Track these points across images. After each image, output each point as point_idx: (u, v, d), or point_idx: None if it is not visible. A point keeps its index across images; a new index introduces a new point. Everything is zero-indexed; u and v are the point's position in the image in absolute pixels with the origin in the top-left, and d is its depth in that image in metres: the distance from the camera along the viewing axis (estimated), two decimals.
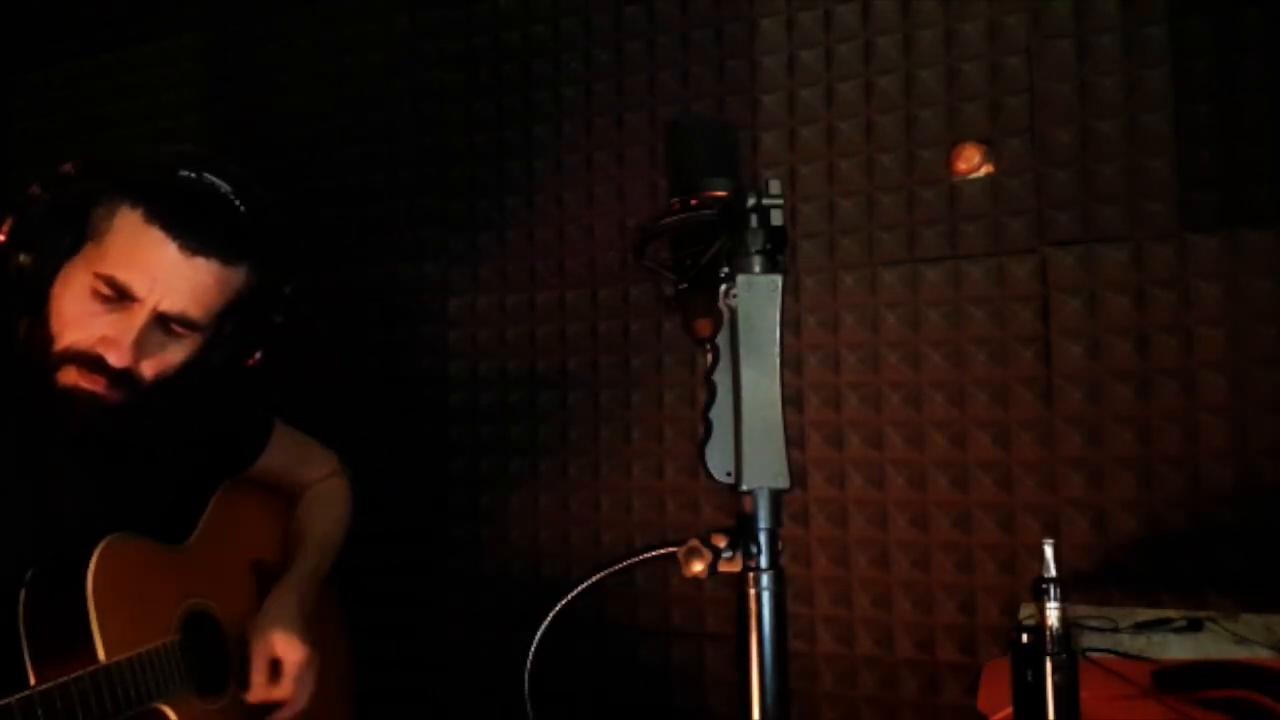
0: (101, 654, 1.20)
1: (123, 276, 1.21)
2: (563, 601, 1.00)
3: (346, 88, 2.56)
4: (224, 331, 1.37)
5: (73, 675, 1.14)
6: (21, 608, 1.19)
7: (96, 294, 1.22)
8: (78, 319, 1.22)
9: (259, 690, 1.47)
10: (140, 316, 1.23)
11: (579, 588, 1.00)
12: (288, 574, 1.64)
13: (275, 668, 1.49)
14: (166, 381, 1.30)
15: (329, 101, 2.57)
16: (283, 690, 1.48)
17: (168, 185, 1.24)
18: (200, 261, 1.24)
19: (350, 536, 1.84)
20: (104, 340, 1.22)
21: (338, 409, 2.53)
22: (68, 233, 1.22)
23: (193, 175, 1.26)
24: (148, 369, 1.27)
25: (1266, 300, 1.76)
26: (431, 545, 2.41)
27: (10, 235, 1.22)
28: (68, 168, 1.24)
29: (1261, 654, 1.51)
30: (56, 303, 1.23)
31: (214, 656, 1.45)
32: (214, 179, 1.27)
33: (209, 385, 1.40)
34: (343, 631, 1.89)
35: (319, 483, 1.82)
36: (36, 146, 2.87)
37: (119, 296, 1.22)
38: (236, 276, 1.31)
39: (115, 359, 1.22)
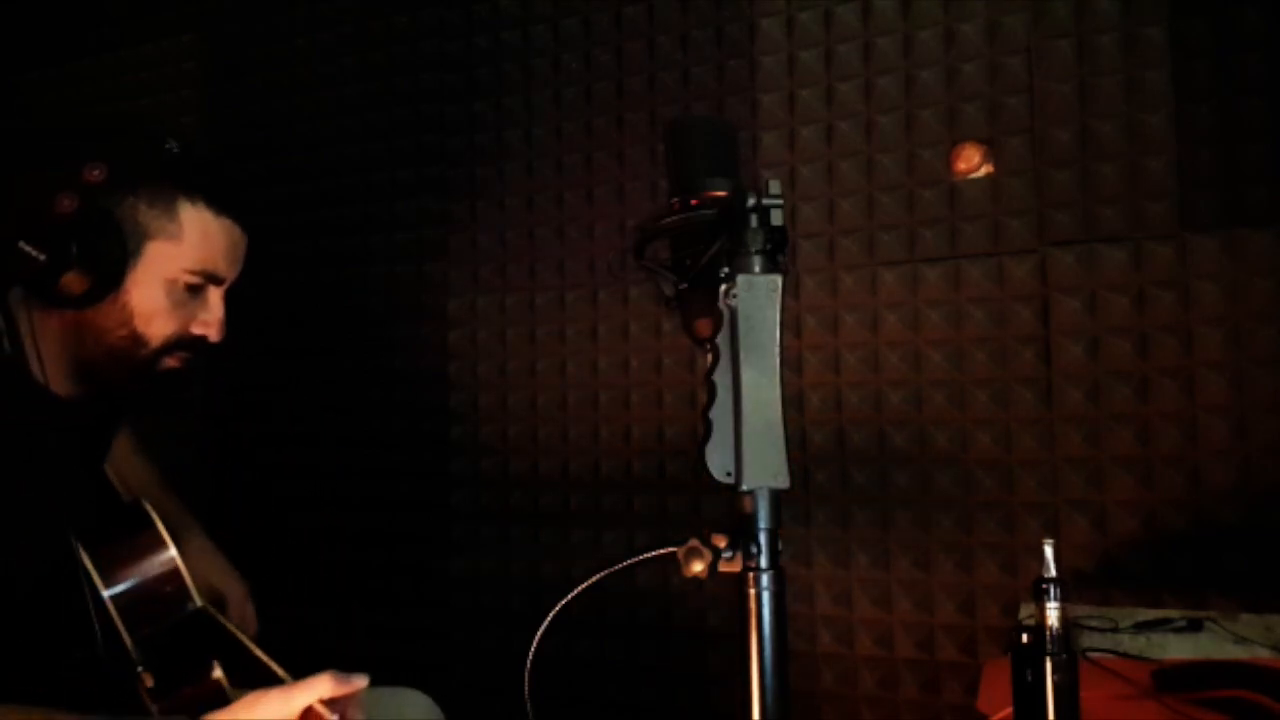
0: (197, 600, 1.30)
1: (213, 267, 1.28)
2: (563, 601, 1.00)
3: (346, 88, 2.56)
4: None
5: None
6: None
7: (186, 287, 1.26)
8: (166, 313, 1.25)
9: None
10: (220, 294, 1.30)
11: (579, 588, 1.00)
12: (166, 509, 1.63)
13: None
14: None
15: (329, 101, 2.57)
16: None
17: (201, 170, 1.29)
18: (240, 229, 1.31)
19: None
20: (203, 324, 1.29)
21: (338, 409, 2.53)
22: (120, 239, 1.21)
23: (180, 149, 1.27)
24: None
25: (1266, 300, 1.76)
26: (432, 545, 2.41)
27: (51, 252, 1.17)
28: (94, 175, 1.20)
29: (1261, 654, 1.51)
30: (133, 304, 1.23)
31: None
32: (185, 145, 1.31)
33: None
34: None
35: None
36: None
37: (208, 283, 1.28)
38: None
39: (216, 336, 1.30)
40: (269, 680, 1.06)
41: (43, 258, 1.15)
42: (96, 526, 1.24)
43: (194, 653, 1.16)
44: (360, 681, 1.03)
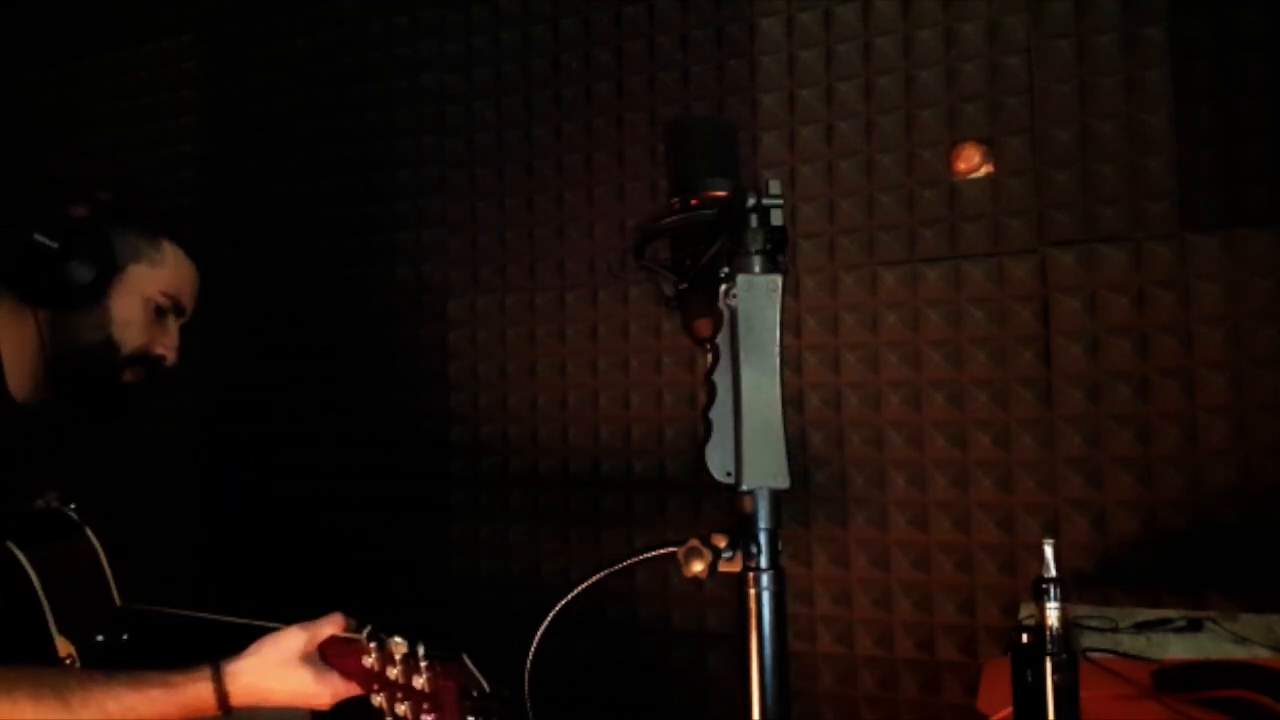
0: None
1: (179, 295, 1.49)
2: (563, 601, 1.00)
3: (346, 88, 2.56)
4: None
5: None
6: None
7: (158, 307, 1.46)
8: (138, 326, 1.43)
9: None
10: (177, 325, 1.50)
11: (579, 588, 1.00)
12: None
13: None
14: None
15: (328, 102, 2.57)
16: None
17: (182, 225, 1.53)
18: (199, 276, 1.54)
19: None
20: (165, 345, 1.48)
21: (338, 409, 2.53)
22: (111, 251, 1.40)
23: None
24: None
25: (1266, 300, 1.76)
26: (432, 545, 2.41)
27: (62, 244, 1.35)
28: (103, 197, 1.42)
29: (1261, 654, 1.51)
30: (113, 311, 1.42)
31: None
32: None
33: None
34: None
35: None
36: (37, 146, 2.87)
37: (172, 309, 1.48)
38: None
39: (172, 359, 1.48)
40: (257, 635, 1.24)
41: (55, 245, 1.33)
42: (29, 528, 1.37)
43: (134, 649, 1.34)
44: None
